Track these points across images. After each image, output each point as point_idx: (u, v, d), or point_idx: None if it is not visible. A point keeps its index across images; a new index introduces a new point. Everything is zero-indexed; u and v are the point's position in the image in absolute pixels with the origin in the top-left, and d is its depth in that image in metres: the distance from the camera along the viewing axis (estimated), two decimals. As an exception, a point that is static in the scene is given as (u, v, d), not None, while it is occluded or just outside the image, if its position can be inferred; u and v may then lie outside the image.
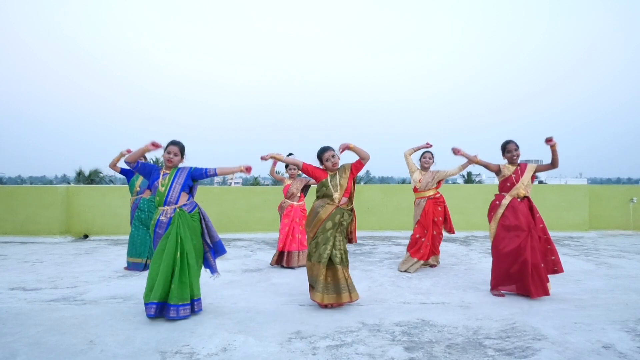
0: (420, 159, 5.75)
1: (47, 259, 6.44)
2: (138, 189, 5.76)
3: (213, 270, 3.97)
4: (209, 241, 3.86)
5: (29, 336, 3.21)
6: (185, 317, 3.59)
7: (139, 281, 5.00)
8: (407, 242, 7.96)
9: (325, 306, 3.91)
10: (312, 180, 5.94)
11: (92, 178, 37.91)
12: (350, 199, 4.13)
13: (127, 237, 8.48)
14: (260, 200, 9.19)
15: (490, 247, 7.29)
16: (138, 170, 3.84)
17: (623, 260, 6.27)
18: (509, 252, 4.27)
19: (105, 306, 4.00)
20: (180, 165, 3.87)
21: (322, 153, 4.06)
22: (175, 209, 3.73)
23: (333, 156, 4.01)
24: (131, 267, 5.60)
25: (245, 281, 5.00)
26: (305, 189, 6.02)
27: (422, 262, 5.51)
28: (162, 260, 3.60)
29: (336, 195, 3.99)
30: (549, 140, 4.24)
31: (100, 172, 39.47)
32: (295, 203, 5.91)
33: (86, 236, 8.76)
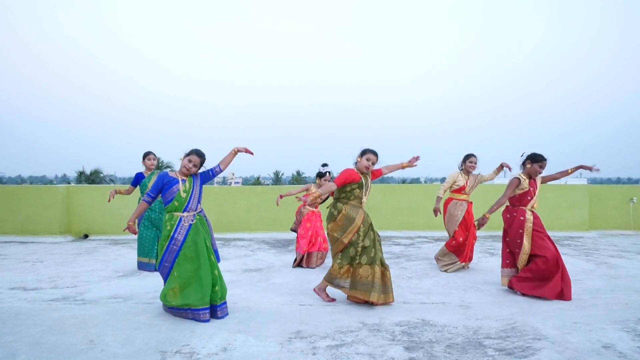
0: (465, 162, 5.68)
1: (47, 258, 6.45)
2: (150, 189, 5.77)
3: None
4: (213, 246, 3.89)
5: (29, 336, 3.22)
6: (226, 315, 3.68)
7: (139, 281, 5.00)
8: (407, 242, 7.98)
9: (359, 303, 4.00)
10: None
11: (92, 178, 37.90)
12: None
13: (127, 237, 8.53)
14: (261, 200, 9.19)
15: (490, 247, 7.31)
16: (155, 197, 3.76)
17: (623, 260, 6.27)
18: (552, 256, 4.25)
19: (105, 306, 4.00)
20: None
21: (366, 152, 4.12)
22: (195, 215, 3.74)
23: (374, 163, 4.10)
24: (142, 267, 5.61)
25: (245, 281, 5.00)
26: (326, 197, 6.06)
27: (464, 264, 5.55)
28: (201, 265, 3.61)
29: (364, 199, 4.09)
30: (586, 168, 4.54)
31: (101, 172, 39.47)
32: (315, 209, 6.02)
33: (86, 236, 8.76)
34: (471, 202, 5.71)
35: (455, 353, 2.92)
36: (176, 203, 3.68)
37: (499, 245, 7.56)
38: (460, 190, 5.63)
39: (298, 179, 53.24)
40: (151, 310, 3.86)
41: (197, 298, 3.54)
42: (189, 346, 3.04)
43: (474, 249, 5.79)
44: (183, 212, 3.69)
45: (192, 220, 3.71)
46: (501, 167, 5.50)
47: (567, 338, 3.17)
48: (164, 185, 3.70)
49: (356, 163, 4.15)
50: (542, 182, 4.66)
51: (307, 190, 6.05)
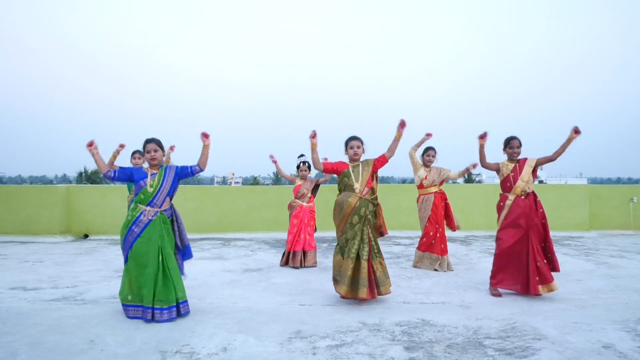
0: (423, 156, 5.74)
1: (47, 258, 6.45)
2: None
3: (181, 272, 3.89)
4: (179, 244, 3.85)
5: (29, 336, 3.21)
6: (170, 320, 3.54)
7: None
8: (407, 242, 7.98)
9: (345, 297, 4.01)
10: (322, 179, 5.99)
11: (92, 178, 37.91)
12: (373, 191, 4.16)
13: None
14: (260, 200, 9.19)
15: (490, 247, 7.31)
16: (117, 179, 3.76)
17: (623, 260, 6.27)
18: (507, 248, 4.30)
19: (105, 306, 4.00)
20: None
21: (348, 141, 4.20)
22: (157, 212, 3.70)
23: (358, 147, 4.15)
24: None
25: (246, 281, 5.00)
26: (315, 189, 6.03)
27: (445, 257, 5.53)
28: (149, 263, 3.58)
29: (357, 186, 4.06)
30: (577, 132, 4.22)
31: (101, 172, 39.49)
32: (305, 204, 5.91)
33: (86, 236, 8.76)
34: (439, 193, 5.69)
35: (455, 353, 2.92)
36: (142, 196, 3.70)
37: (499, 245, 7.56)
38: (422, 184, 5.68)
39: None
40: (151, 310, 3.86)
41: (126, 292, 3.62)
42: (189, 346, 3.04)
43: (446, 242, 5.67)
44: (147, 206, 3.69)
45: (153, 217, 3.68)
46: (466, 170, 5.46)
47: (567, 338, 3.17)
48: (132, 173, 3.74)
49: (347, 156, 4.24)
50: (538, 164, 4.40)
51: (293, 180, 6.06)
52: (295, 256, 5.72)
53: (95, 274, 5.35)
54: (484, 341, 3.12)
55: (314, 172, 6.06)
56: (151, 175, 3.72)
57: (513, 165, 4.45)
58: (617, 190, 10.06)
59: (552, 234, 4.77)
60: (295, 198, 5.94)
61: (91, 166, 39.01)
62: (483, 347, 3.02)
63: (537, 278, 4.18)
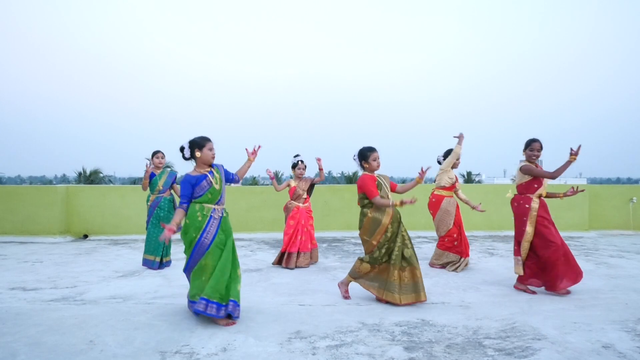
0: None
1: (47, 258, 6.44)
2: (161, 187, 5.78)
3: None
4: None
5: (28, 336, 3.21)
6: (237, 315, 3.55)
7: (139, 281, 5.00)
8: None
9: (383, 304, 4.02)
10: (317, 179, 5.98)
11: (91, 179, 37.86)
12: None
13: (127, 237, 8.53)
14: (260, 200, 9.19)
15: (489, 247, 7.31)
16: (191, 198, 3.61)
17: (623, 260, 6.27)
18: (562, 244, 4.37)
19: (105, 306, 4.00)
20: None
21: (369, 152, 4.11)
22: (223, 208, 3.69)
23: (378, 157, 4.14)
24: (146, 264, 5.64)
25: (245, 281, 5.00)
26: (310, 189, 6.00)
27: (467, 258, 5.59)
28: (227, 259, 3.54)
29: (389, 195, 4.11)
30: (574, 154, 4.28)
31: (100, 172, 39.43)
32: (301, 205, 5.87)
33: (86, 236, 8.75)
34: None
35: (455, 353, 2.92)
36: (210, 195, 3.58)
37: (499, 245, 7.56)
38: (453, 185, 5.74)
39: (298, 179, 53.15)
40: (151, 310, 3.86)
41: (213, 289, 3.47)
42: (188, 346, 3.04)
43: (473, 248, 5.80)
44: (217, 204, 3.62)
45: (222, 214, 3.66)
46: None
47: (566, 338, 3.17)
48: (193, 186, 3.58)
49: (364, 168, 4.15)
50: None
51: (288, 185, 5.97)
52: (290, 257, 5.69)
53: (95, 274, 5.35)
54: (483, 341, 3.12)
55: (309, 172, 6.04)
56: (209, 173, 3.65)
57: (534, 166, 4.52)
58: (617, 190, 10.06)
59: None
60: (292, 199, 5.91)
61: (89, 167, 38.98)
62: (483, 347, 3.02)
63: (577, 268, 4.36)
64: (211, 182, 3.60)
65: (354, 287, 4.40)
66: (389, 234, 4.01)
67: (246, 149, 3.95)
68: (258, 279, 5.11)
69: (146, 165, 5.69)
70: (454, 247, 5.57)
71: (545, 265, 4.34)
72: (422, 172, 4.21)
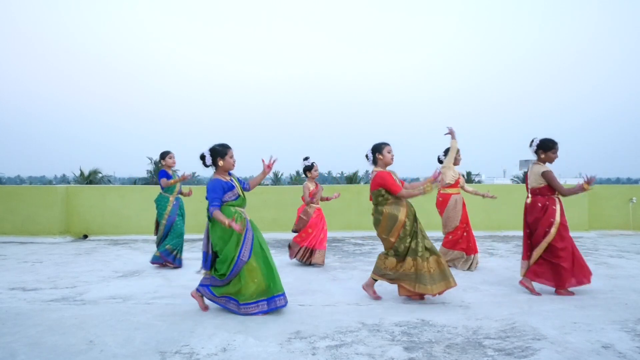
0: (457, 155, 5.66)
1: (46, 259, 6.44)
2: (179, 188, 5.93)
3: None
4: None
5: (28, 336, 3.21)
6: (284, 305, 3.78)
7: (138, 281, 5.00)
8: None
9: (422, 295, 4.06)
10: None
11: (90, 179, 37.85)
12: None
13: (127, 237, 8.53)
14: (260, 200, 9.18)
15: (489, 247, 7.30)
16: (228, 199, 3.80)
17: (623, 260, 6.27)
18: (572, 247, 4.35)
19: (105, 306, 4.00)
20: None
21: (383, 145, 4.15)
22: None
23: (392, 150, 4.16)
24: (164, 255, 5.63)
25: (245, 281, 5.00)
26: None
27: (476, 255, 5.58)
28: (268, 257, 3.81)
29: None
30: (588, 183, 4.18)
31: (99, 172, 39.44)
32: (318, 205, 5.95)
33: (86, 236, 8.76)
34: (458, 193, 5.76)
35: (455, 353, 2.92)
36: (239, 201, 3.82)
37: (499, 245, 7.57)
38: (457, 183, 5.70)
39: (297, 179, 53.26)
40: (151, 310, 3.86)
41: (276, 284, 3.78)
42: (188, 346, 3.04)
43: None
44: (244, 207, 3.87)
45: (248, 217, 3.85)
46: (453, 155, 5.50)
47: (566, 338, 3.17)
48: (225, 191, 3.75)
49: (377, 162, 4.14)
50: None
51: (308, 189, 5.94)
52: (314, 254, 5.72)
53: (95, 275, 5.35)
54: (483, 341, 3.12)
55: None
56: (232, 180, 3.84)
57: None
58: (617, 190, 10.06)
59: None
60: (312, 202, 5.86)
61: (88, 167, 38.98)
62: (482, 347, 3.02)
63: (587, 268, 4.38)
64: (238, 192, 3.80)
65: (354, 286, 4.41)
66: (407, 228, 4.00)
67: (262, 160, 3.95)
68: (258, 279, 5.10)
69: (183, 174, 5.67)
70: (458, 244, 5.56)
71: (556, 265, 4.30)
72: (437, 174, 4.10)
